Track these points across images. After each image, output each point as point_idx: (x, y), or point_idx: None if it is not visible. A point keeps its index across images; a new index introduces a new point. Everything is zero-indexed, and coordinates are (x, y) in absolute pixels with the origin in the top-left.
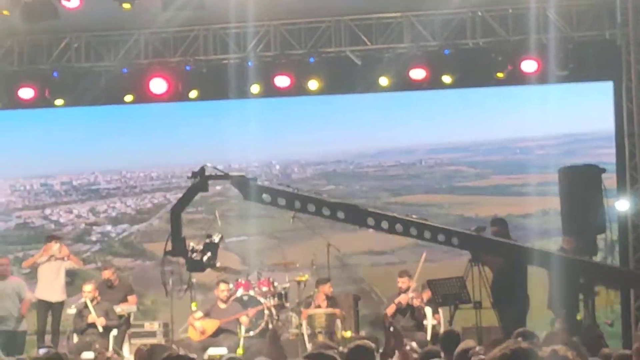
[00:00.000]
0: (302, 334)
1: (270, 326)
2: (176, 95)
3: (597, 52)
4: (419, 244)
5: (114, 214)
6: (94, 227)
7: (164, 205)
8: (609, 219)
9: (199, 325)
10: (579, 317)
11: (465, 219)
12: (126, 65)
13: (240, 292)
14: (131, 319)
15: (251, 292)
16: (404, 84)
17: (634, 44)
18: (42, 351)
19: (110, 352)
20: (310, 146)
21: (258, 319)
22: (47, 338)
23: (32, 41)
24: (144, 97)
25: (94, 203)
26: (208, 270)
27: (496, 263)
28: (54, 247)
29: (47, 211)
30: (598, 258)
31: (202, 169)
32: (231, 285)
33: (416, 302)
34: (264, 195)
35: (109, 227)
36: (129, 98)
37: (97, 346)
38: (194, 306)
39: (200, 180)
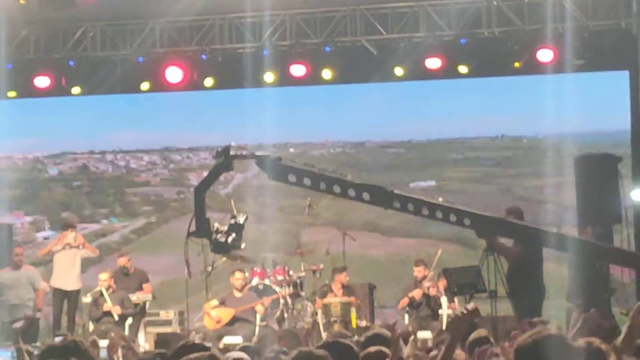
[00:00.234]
0: (318, 323)
1: (285, 315)
2: (192, 84)
3: (613, 41)
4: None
5: None
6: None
7: None
8: (624, 208)
9: (214, 314)
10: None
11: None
12: (142, 54)
13: (255, 280)
14: (146, 307)
15: (266, 281)
16: (419, 74)
17: None
18: (58, 339)
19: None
20: (325, 133)
21: (273, 307)
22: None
23: (48, 30)
24: (160, 85)
25: None
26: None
27: (512, 252)
28: (70, 235)
29: None
30: None
31: (227, 148)
32: (247, 274)
33: (432, 292)
34: (290, 176)
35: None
36: (145, 86)
37: (112, 334)
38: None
39: (225, 159)
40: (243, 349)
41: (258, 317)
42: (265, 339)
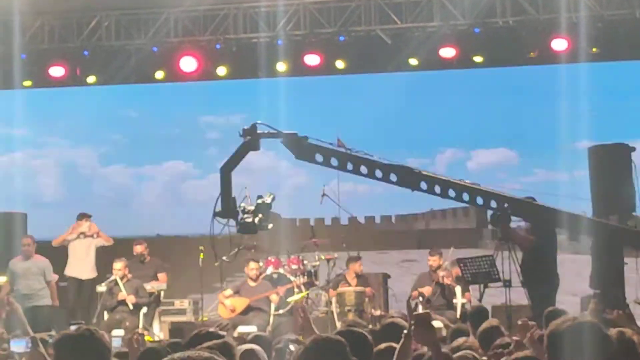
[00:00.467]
0: (332, 312)
1: (301, 304)
2: (206, 73)
3: (628, 30)
4: None
5: None
6: None
7: None
8: (639, 198)
9: (228, 303)
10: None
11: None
12: (156, 44)
13: (270, 270)
14: (161, 296)
15: (281, 270)
16: (434, 63)
17: None
18: (73, 328)
19: (141, 330)
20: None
21: (288, 297)
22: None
23: (62, 20)
24: (174, 75)
25: None
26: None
27: (526, 241)
28: (84, 224)
29: None
30: None
31: (254, 126)
32: (261, 264)
33: (447, 281)
34: (317, 155)
35: None
36: (159, 75)
37: (127, 324)
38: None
39: (252, 138)
40: (255, 339)
41: (273, 306)
42: (279, 328)
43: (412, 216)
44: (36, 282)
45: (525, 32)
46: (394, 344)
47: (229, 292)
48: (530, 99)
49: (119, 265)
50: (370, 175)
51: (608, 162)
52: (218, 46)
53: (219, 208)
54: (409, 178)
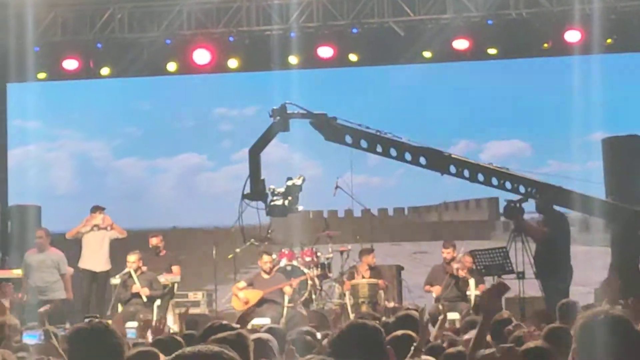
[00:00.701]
0: (345, 304)
1: (313, 296)
2: (219, 66)
3: None
4: None
5: None
6: None
7: None
8: None
9: (242, 296)
10: None
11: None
12: (169, 37)
13: (283, 262)
14: (175, 288)
15: (294, 263)
16: (447, 55)
17: None
18: (87, 321)
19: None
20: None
21: (301, 289)
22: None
23: (76, 12)
24: (187, 67)
25: None
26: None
27: (540, 233)
28: (98, 217)
29: None
30: None
31: (283, 107)
32: (274, 256)
33: (461, 273)
34: (347, 137)
35: None
36: (172, 67)
37: (141, 316)
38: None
39: (281, 118)
40: (269, 330)
41: (286, 298)
42: (293, 320)
43: (425, 208)
44: (50, 274)
45: (539, 24)
46: (410, 332)
47: (242, 284)
48: (543, 90)
49: (133, 258)
50: (400, 157)
51: (622, 153)
52: (231, 39)
53: (247, 190)
54: (438, 161)
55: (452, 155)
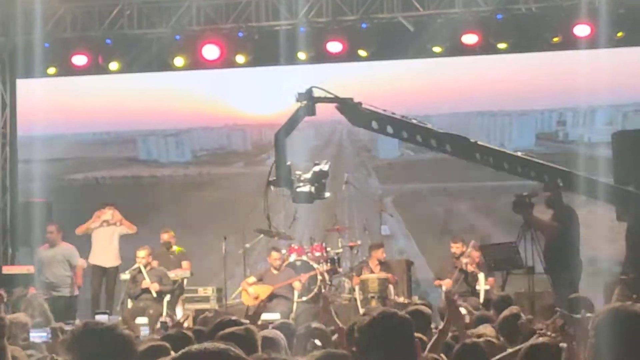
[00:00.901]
0: (355, 299)
1: (323, 291)
2: (228, 61)
3: None
4: None
5: None
6: None
7: None
8: None
9: (252, 291)
10: None
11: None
12: (178, 32)
13: (293, 257)
14: (184, 284)
15: (304, 258)
16: (456, 50)
17: None
18: (98, 317)
19: (164, 317)
20: None
21: (311, 284)
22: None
23: (85, 8)
24: (197, 63)
25: None
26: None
27: (549, 228)
28: (107, 212)
29: None
30: None
31: (310, 91)
32: (284, 252)
33: (470, 268)
34: (373, 122)
35: None
36: (180, 62)
37: (150, 312)
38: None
39: (308, 103)
40: (279, 326)
41: (296, 293)
42: (303, 315)
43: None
44: (61, 269)
45: (548, 18)
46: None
47: (252, 279)
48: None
49: (142, 253)
50: (425, 143)
51: (631, 147)
52: (240, 34)
53: (273, 176)
54: (463, 148)
55: (478, 143)
